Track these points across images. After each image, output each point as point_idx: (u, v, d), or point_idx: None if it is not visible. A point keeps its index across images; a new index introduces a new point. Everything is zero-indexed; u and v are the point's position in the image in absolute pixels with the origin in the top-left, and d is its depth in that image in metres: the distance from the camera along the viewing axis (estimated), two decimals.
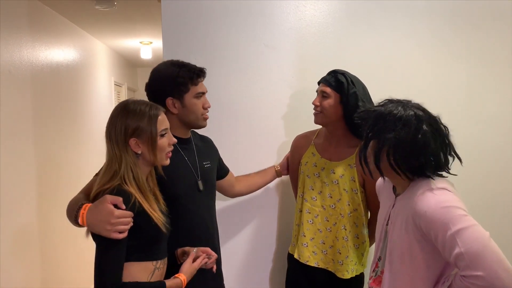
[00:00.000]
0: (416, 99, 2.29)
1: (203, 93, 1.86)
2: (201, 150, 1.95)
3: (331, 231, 2.00)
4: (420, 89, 2.40)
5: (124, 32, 4.79)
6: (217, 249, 1.92)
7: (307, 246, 2.03)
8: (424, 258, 1.36)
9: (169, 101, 1.80)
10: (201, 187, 1.87)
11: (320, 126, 2.09)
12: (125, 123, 1.46)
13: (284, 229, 2.42)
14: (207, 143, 2.06)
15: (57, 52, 3.84)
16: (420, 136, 1.35)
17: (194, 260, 1.60)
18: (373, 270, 1.59)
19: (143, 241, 1.47)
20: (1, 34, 2.79)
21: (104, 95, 5.27)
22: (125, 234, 1.39)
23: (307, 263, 2.03)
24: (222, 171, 2.11)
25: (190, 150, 1.90)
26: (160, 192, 1.64)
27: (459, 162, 1.44)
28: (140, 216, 1.44)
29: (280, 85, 2.35)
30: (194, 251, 1.63)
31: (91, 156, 4.64)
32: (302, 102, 2.34)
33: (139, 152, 1.49)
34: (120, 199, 1.40)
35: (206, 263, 1.64)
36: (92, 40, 4.89)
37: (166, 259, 1.58)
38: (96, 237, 1.42)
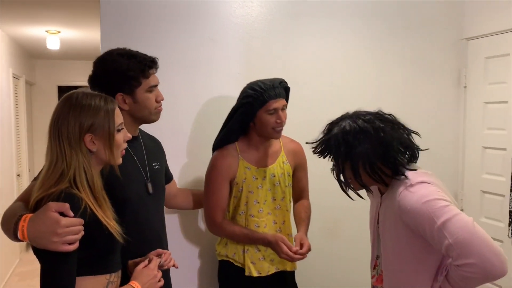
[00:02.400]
0: (355, 98, 2.42)
1: (156, 86, 1.72)
2: (150, 150, 1.80)
3: (281, 230, 2.00)
4: (359, 88, 2.51)
5: (28, 19, 4.33)
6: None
7: (264, 259, 1.99)
8: (419, 253, 1.39)
9: (119, 97, 1.64)
10: (150, 190, 1.73)
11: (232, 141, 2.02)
12: (79, 119, 1.29)
13: None
14: (155, 143, 1.91)
15: None
16: (382, 134, 1.41)
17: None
18: (374, 268, 1.60)
19: (95, 252, 1.31)
20: None
21: (1, 88, 4.71)
22: (76, 245, 1.21)
23: (269, 273, 2.00)
24: (166, 177, 1.95)
25: (138, 150, 1.74)
26: (108, 196, 1.45)
27: None
28: (92, 224, 1.27)
29: (227, 81, 2.29)
30: (148, 258, 1.50)
31: None
32: None
33: (94, 149, 1.32)
34: (67, 205, 1.21)
35: (161, 263, 1.51)
36: None
37: (120, 272, 1.43)
38: (41, 252, 1.22)
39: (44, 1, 3.70)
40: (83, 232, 1.23)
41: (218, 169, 1.97)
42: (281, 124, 1.92)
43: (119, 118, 1.38)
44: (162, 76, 2.16)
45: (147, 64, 1.66)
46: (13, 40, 5.25)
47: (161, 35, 2.20)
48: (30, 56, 6.39)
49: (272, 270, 2.00)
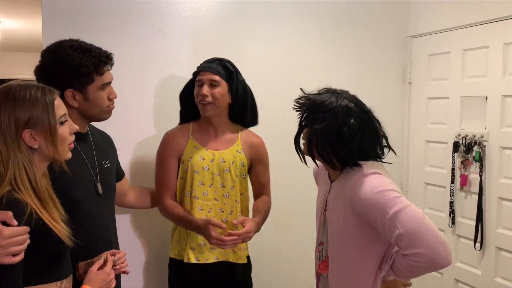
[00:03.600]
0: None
1: (109, 83, 1.64)
2: (100, 148, 1.73)
3: (227, 220, 1.98)
4: (306, 84, 2.52)
5: None
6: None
7: (205, 244, 1.95)
8: (366, 241, 1.43)
9: (69, 93, 1.55)
10: (100, 190, 1.65)
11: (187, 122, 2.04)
12: (14, 114, 1.19)
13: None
14: (106, 140, 1.84)
15: None
16: (346, 129, 1.42)
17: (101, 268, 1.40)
18: (317, 255, 1.63)
19: (43, 259, 1.24)
20: None
21: None
22: (21, 256, 1.14)
23: (207, 261, 1.96)
24: (117, 174, 1.87)
25: (88, 147, 1.66)
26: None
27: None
28: (39, 230, 1.19)
29: (176, 75, 2.25)
30: (102, 258, 1.43)
31: None
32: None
33: (36, 146, 1.23)
34: (10, 213, 1.14)
35: (114, 263, 1.45)
36: None
37: (71, 276, 1.36)
38: None
39: None
40: (28, 241, 1.16)
41: (165, 145, 1.99)
42: (203, 97, 1.89)
43: (61, 109, 1.28)
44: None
45: (102, 60, 1.57)
46: None
47: (108, 27, 2.13)
48: None
49: (211, 259, 1.97)
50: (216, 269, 1.99)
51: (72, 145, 1.35)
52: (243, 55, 2.37)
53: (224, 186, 1.98)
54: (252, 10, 2.40)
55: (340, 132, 1.41)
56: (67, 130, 1.31)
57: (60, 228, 1.24)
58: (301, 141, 1.54)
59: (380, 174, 1.41)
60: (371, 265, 1.44)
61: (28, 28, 4.88)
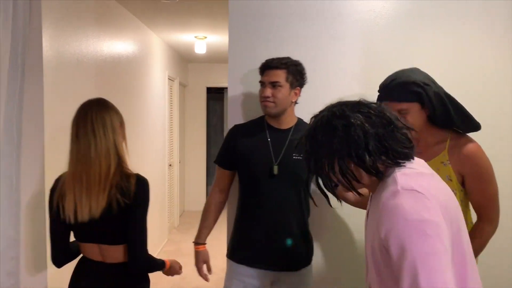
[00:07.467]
0: (488, 97, 2.23)
1: (263, 82, 2.07)
2: (295, 143, 1.99)
3: None
4: (485, 88, 2.29)
5: (180, 26, 4.86)
6: (281, 239, 2.01)
7: None
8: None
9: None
10: (275, 171, 1.98)
11: None
12: (115, 116, 1.83)
13: None
14: None
15: (119, 44, 3.94)
16: (353, 130, 1.18)
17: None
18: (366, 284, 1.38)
19: None
20: (71, 24, 2.88)
21: (158, 88, 5.37)
22: None
23: None
24: None
25: (281, 139, 2.04)
26: (240, 169, 2.08)
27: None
28: None
29: (345, 77, 2.30)
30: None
31: (146, 147, 4.74)
32: (367, 95, 2.27)
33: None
34: None
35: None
36: (149, 33, 4.99)
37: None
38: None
39: (193, 10, 4.14)
40: None
41: None
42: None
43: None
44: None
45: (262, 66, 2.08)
46: (168, 45, 5.93)
47: (285, 35, 2.31)
48: (183, 60, 7.12)
49: None
50: None
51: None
52: (415, 58, 2.26)
53: None
54: (427, 11, 2.28)
55: (351, 137, 1.18)
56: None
57: None
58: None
59: (418, 192, 1.11)
60: None
61: (227, 42, 5.52)
